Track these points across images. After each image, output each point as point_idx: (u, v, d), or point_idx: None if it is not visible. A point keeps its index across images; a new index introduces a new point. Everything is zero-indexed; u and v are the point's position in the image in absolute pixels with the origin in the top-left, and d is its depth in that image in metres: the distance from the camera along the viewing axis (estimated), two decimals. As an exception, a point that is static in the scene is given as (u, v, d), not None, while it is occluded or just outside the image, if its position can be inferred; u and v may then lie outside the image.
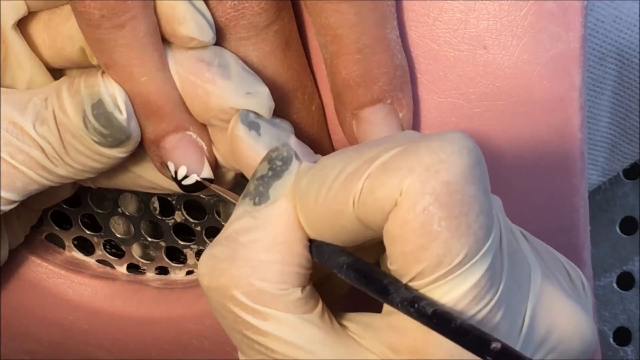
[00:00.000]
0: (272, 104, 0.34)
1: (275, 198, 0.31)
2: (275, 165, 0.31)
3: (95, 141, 0.34)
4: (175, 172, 0.35)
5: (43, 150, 0.35)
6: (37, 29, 0.35)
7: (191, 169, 0.35)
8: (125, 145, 0.35)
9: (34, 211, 0.42)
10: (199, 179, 0.35)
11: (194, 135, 0.35)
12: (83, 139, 0.35)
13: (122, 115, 0.34)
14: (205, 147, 0.35)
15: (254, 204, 0.31)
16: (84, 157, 0.35)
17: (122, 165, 0.38)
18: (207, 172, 0.35)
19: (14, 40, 0.35)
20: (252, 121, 0.34)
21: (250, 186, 0.31)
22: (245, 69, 0.34)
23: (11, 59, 0.36)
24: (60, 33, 0.35)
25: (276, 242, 0.31)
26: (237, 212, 0.32)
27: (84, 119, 0.34)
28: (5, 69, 0.36)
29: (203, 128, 0.36)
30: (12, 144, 0.35)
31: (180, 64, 0.34)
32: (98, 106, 0.34)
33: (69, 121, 0.34)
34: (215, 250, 0.31)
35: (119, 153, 0.35)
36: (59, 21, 0.35)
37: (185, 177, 0.35)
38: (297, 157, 0.31)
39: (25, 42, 0.35)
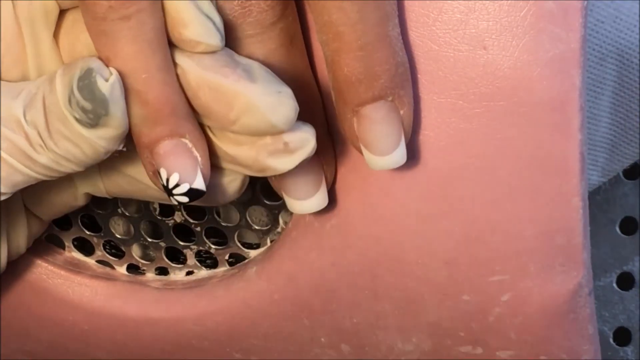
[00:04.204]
0: (297, 106, 0.34)
1: None
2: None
3: (76, 118, 0.33)
4: (167, 180, 0.34)
5: (27, 137, 0.34)
6: (59, 33, 0.35)
7: (183, 177, 0.34)
8: (104, 125, 0.33)
9: (42, 223, 0.42)
10: (192, 187, 0.34)
11: (190, 144, 0.35)
12: (65, 120, 0.33)
13: (105, 84, 0.33)
14: (200, 159, 0.35)
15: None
16: (66, 140, 0.34)
17: (130, 176, 0.37)
18: (199, 183, 0.35)
19: (53, 53, 0.35)
20: None
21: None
22: (268, 71, 0.34)
23: (45, 68, 0.35)
24: (80, 41, 0.35)
25: None
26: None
27: (70, 95, 0.33)
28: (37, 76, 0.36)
29: (200, 138, 0.35)
30: None
31: (205, 67, 0.34)
32: (84, 77, 0.33)
33: (55, 100, 0.34)
34: None
35: (98, 138, 0.34)
36: (81, 28, 0.35)
37: (177, 186, 0.34)
38: None
39: (60, 54, 0.35)
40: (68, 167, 0.35)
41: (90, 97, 0.33)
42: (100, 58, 0.34)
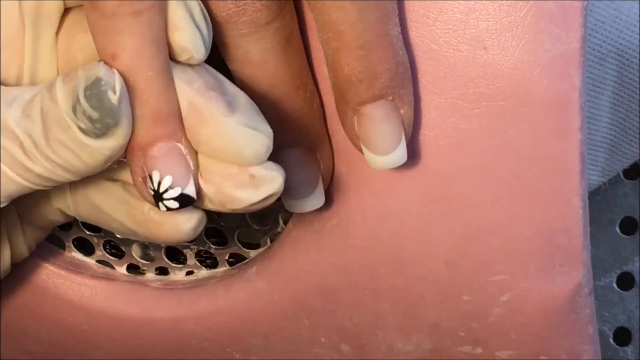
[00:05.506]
0: (271, 147, 0.33)
1: None
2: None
3: (81, 129, 0.33)
4: (159, 183, 0.33)
5: (22, 145, 0.34)
6: (59, 34, 0.35)
7: (176, 181, 0.34)
8: (111, 135, 0.33)
9: (41, 229, 0.42)
10: (183, 192, 0.34)
11: (185, 150, 0.34)
12: (68, 129, 0.33)
13: (114, 95, 0.32)
14: (192, 167, 0.34)
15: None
16: (66, 149, 0.33)
17: (96, 205, 0.37)
18: (191, 190, 0.34)
19: (51, 53, 0.35)
20: None
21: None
22: (253, 106, 0.34)
23: (45, 68, 0.35)
24: (76, 41, 0.35)
25: None
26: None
27: (75, 103, 0.33)
28: (36, 74, 0.36)
29: (192, 147, 0.34)
30: None
31: (190, 83, 0.33)
32: (92, 86, 0.32)
33: (57, 109, 0.33)
34: None
35: (102, 148, 0.33)
36: (78, 29, 0.35)
37: (167, 190, 0.34)
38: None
39: (57, 54, 0.35)
40: (64, 177, 0.34)
41: (99, 106, 0.32)
42: (103, 57, 0.33)
